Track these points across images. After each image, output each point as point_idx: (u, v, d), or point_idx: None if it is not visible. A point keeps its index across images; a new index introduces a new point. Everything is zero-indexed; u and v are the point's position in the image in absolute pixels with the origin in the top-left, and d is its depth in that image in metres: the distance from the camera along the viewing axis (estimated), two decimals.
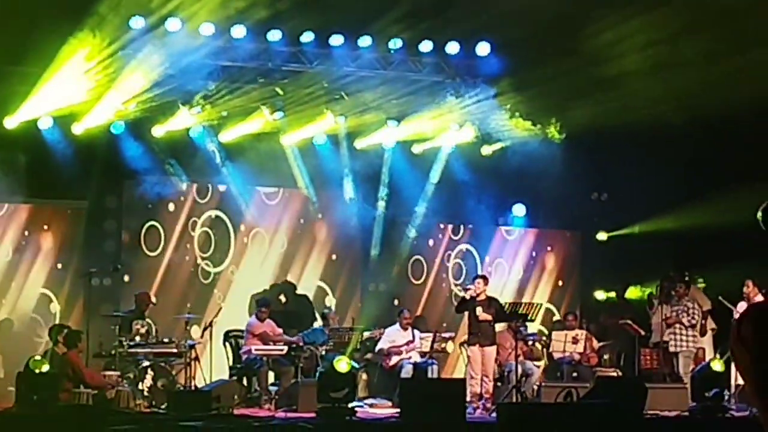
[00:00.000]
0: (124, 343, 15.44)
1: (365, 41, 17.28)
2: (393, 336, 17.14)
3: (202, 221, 18.48)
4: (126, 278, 17.60)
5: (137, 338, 15.67)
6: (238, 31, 16.57)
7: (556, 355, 18.00)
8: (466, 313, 16.48)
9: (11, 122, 16.42)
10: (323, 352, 16.87)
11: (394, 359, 16.97)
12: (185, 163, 18.04)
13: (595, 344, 18.27)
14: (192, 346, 15.74)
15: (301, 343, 16.85)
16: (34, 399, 13.51)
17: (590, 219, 20.97)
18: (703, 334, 17.60)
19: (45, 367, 13.97)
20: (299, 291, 18.93)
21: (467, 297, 16.36)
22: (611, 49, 16.18)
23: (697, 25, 15.18)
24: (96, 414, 13.24)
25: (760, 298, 16.04)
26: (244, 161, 18.22)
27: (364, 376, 17.28)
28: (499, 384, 16.79)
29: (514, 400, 15.71)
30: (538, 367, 17.66)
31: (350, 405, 14.20)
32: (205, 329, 16.41)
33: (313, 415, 14.09)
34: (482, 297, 16.32)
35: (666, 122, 17.39)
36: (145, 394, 15.06)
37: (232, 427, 13.17)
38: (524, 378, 16.60)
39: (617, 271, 20.22)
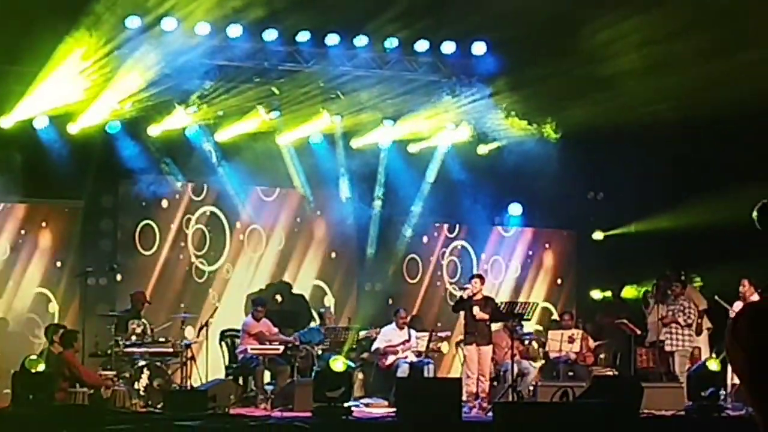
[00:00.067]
0: (120, 343, 15.43)
1: (361, 41, 17.28)
2: (389, 335, 17.15)
3: (197, 217, 18.44)
4: (121, 277, 17.58)
5: (133, 338, 15.66)
6: (234, 31, 16.57)
7: (552, 355, 18.00)
8: (462, 313, 16.49)
9: (7, 121, 16.40)
10: (319, 352, 16.87)
11: (391, 359, 16.98)
12: (181, 163, 18.03)
13: (591, 343, 18.28)
14: (188, 346, 15.74)
15: (297, 343, 16.84)
16: (30, 399, 13.50)
17: (586, 218, 20.98)
18: (699, 333, 17.62)
19: (41, 367, 13.95)
20: (296, 290, 18.93)
21: (465, 296, 16.37)
22: (607, 48, 16.19)
23: (692, 24, 15.19)
24: (92, 414, 13.23)
25: (755, 297, 16.04)
26: (240, 161, 18.22)
27: (360, 376, 17.27)
28: (495, 383, 16.78)
29: (510, 399, 15.70)
30: (535, 366, 17.67)
31: (346, 404, 14.19)
32: (200, 329, 16.41)
33: (309, 414, 14.08)
34: (479, 296, 16.33)
35: (661, 122, 17.41)
36: (141, 393, 15.05)
37: (228, 426, 13.16)
38: (520, 377, 16.60)
39: (613, 271, 20.24)
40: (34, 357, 14.42)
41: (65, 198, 17.45)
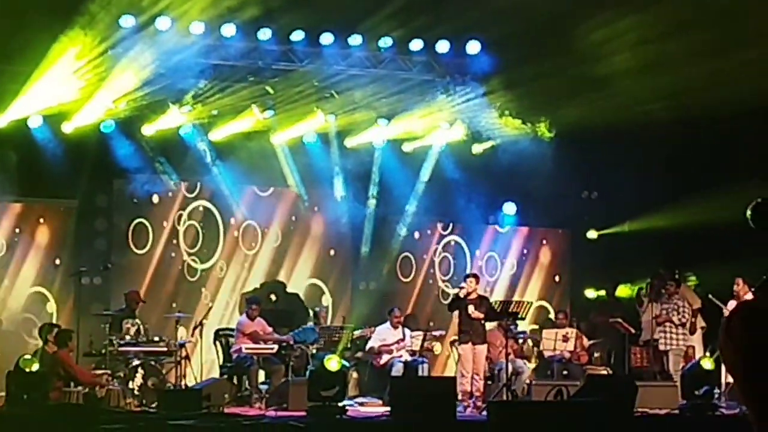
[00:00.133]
0: (115, 342, 15.42)
1: (355, 40, 17.29)
2: (384, 334, 17.15)
3: (189, 212, 18.37)
4: (116, 276, 17.56)
5: (127, 337, 15.65)
6: (229, 30, 16.57)
7: (547, 354, 18.02)
8: (456, 312, 16.49)
9: (1, 121, 16.39)
10: (314, 351, 16.87)
11: (385, 358, 16.98)
12: (175, 162, 18.03)
13: (586, 342, 18.30)
14: (182, 345, 15.73)
15: (291, 342, 16.83)
16: (25, 398, 13.48)
17: (580, 217, 21.00)
18: (692, 332, 17.62)
19: (35, 366, 13.93)
20: (291, 289, 18.92)
21: (460, 295, 16.38)
22: (601, 48, 16.21)
23: (686, 24, 15.21)
24: (86, 413, 13.20)
25: (749, 296, 16.01)
26: (234, 160, 18.21)
27: (355, 375, 17.27)
28: (489, 382, 16.78)
29: (504, 398, 15.71)
30: (529, 365, 17.68)
31: (341, 404, 14.17)
32: (195, 328, 16.40)
33: (303, 413, 14.07)
34: (474, 295, 16.34)
35: (656, 121, 17.43)
36: (136, 393, 15.04)
37: (223, 425, 13.14)
38: (515, 376, 16.60)
39: (607, 270, 20.26)
40: (28, 356, 14.40)
41: (60, 197, 17.44)
